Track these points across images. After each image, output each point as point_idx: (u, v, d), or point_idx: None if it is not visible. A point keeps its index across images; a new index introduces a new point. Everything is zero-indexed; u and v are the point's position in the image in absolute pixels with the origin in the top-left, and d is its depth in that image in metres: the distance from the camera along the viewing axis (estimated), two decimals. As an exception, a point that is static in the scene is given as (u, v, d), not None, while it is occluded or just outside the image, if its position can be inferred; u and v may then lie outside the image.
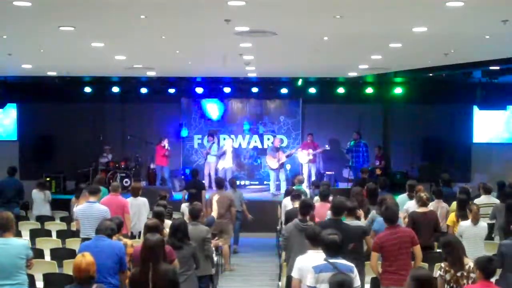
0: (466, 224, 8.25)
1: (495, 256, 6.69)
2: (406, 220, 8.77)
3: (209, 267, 7.66)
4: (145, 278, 5.36)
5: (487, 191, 10.42)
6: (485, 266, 5.22)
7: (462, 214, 8.85)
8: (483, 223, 8.50)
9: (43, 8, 7.46)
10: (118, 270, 6.25)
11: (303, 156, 16.56)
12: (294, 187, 11.50)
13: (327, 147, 16.75)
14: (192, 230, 7.28)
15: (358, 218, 7.90)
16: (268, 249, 12.86)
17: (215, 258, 9.21)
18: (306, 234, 6.15)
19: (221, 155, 16.19)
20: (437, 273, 6.01)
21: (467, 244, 8.09)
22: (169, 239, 6.65)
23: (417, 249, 6.95)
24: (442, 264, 6.01)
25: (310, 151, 16.51)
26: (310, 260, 5.69)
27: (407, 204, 9.61)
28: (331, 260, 5.46)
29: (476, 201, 10.11)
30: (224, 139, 17.51)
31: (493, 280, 5.43)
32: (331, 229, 5.84)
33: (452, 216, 9.04)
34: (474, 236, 8.01)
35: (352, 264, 5.55)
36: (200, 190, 11.86)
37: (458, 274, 5.86)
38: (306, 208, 7.49)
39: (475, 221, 8.17)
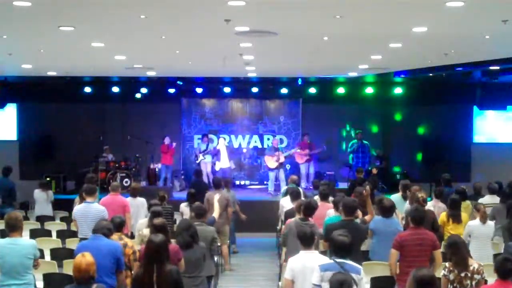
0: (474, 223, 8.28)
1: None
2: (404, 221, 8.77)
3: (213, 267, 7.68)
4: (149, 279, 5.36)
5: (492, 191, 10.43)
6: (500, 266, 5.21)
7: (453, 214, 8.89)
8: (491, 222, 8.57)
9: (43, 8, 7.46)
10: (114, 270, 6.24)
11: (300, 156, 16.60)
12: (287, 187, 11.55)
13: (324, 147, 16.76)
14: (200, 231, 7.28)
15: (356, 218, 7.92)
16: (268, 249, 12.86)
17: (215, 258, 9.23)
18: (298, 234, 6.15)
19: (214, 154, 16.14)
20: (441, 272, 6.01)
21: (476, 244, 8.13)
22: (180, 237, 6.62)
23: (438, 253, 6.87)
24: (447, 264, 5.99)
25: (307, 151, 16.54)
26: (302, 261, 5.69)
27: (407, 205, 9.60)
28: (339, 260, 5.46)
29: (481, 200, 10.13)
30: (224, 139, 17.48)
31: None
32: (342, 229, 5.84)
33: (442, 216, 9.06)
34: (483, 235, 8.03)
35: (360, 266, 5.54)
36: (203, 190, 11.84)
37: (462, 274, 5.84)
38: (310, 210, 7.54)
39: (484, 220, 8.23)
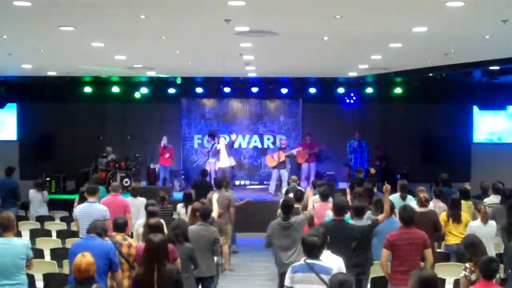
0: (476, 223, 8.29)
1: (503, 256, 6.69)
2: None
3: (214, 267, 7.67)
4: (150, 278, 5.35)
5: (497, 191, 10.43)
6: (485, 266, 5.20)
7: (453, 214, 8.89)
8: (493, 222, 8.57)
9: (43, 8, 7.46)
10: (107, 271, 6.22)
11: (301, 156, 16.61)
12: (288, 187, 11.54)
13: (323, 146, 16.76)
14: (202, 231, 7.27)
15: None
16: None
17: (215, 258, 9.22)
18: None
19: (215, 154, 16.17)
20: (461, 273, 5.99)
21: None
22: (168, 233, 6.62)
23: (429, 252, 6.90)
24: (467, 265, 5.97)
25: (307, 151, 16.55)
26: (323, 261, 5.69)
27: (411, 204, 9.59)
28: (309, 261, 5.46)
29: (486, 200, 10.14)
30: (225, 138, 17.46)
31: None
32: (314, 230, 5.86)
33: (443, 216, 9.07)
34: (484, 236, 8.02)
35: (331, 267, 5.51)
36: (206, 190, 11.82)
37: None
38: (287, 208, 7.53)
39: (485, 221, 8.23)
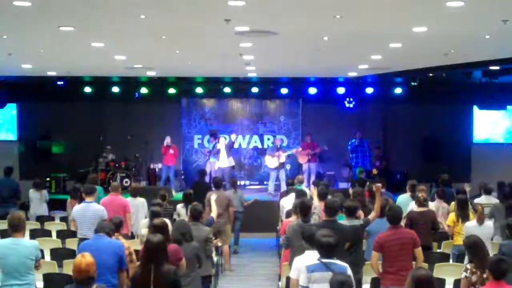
0: (471, 224, 8.27)
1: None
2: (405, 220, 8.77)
3: (210, 267, 7.67)
4: (147, 279, 5.35)
5: (488, 192, 10.43)
6: (495, 267, 5.18)
7: (462, 214, 8.87)
8: (489, 223, 8.54)
9: (43, 8, 7.47)
10: (117, 269, 6.25)
11: (302, 156, 16.60)
12: (293, 187, 11.49)
13: (325, 147, 16.75)
14: (194, 231, 7.26)
15: (357, 218, 7.87)
16: (268, 249, 12.87)
17: (215, 258, 9.22)
18: (303, 235, 6.15)
19: (215, 154, 16.18)
20: (462, 274, 5.97)
21: None
22: (171, 235, 6.63)
23: (419, 251, 6.89)
24: (468, 266, 5.94)
25: (309, 151, 16.54)
26: (307, 261, 5.70)
27: (410, 205, 9.58)
28: (325, 260, 5.48)
29: (476, 200, 10.13)
30: (225, 138, 17.47)
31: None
32: (326, 230, 5.85)
33: (452, 216, 9.05)
34: (480, 236, 8.02)
35: (346, 265, 5.56)
36: (204, 190, 11.83)
37: (484, 275, 5.73)
38: (306, 209, 7.51)
39: (481, 221, 8.20)
